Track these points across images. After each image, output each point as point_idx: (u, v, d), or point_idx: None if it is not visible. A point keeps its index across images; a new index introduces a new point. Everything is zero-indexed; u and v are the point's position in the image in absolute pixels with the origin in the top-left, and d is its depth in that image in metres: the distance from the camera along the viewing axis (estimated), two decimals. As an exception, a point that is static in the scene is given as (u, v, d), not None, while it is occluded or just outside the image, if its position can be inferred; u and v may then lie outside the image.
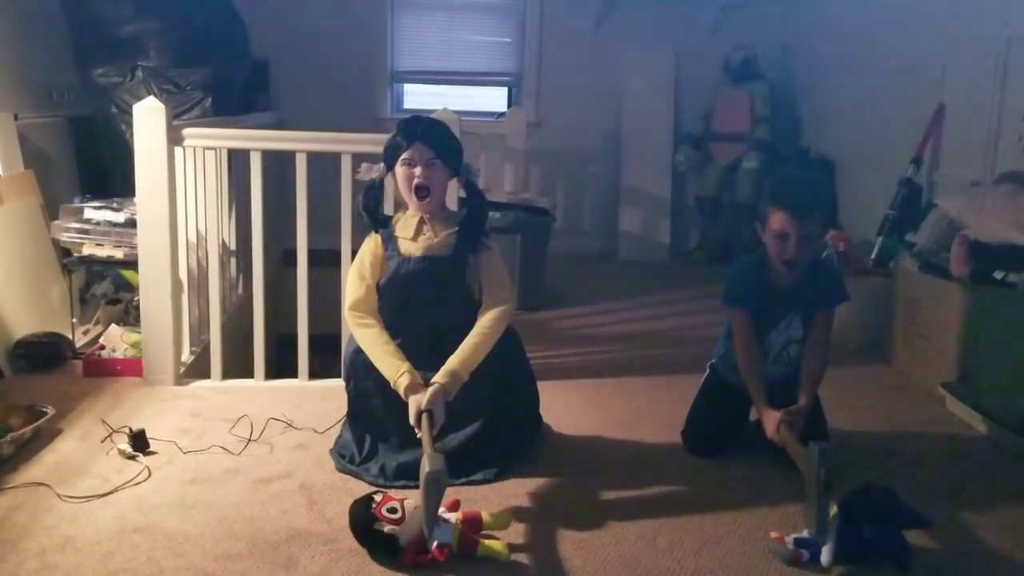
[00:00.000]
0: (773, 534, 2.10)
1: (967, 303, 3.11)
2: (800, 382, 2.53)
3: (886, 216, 4.05)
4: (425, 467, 1.98)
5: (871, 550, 2.03)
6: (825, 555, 2.02)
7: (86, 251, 3.41)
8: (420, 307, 2.46)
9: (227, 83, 4.37)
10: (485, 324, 2.41)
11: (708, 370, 2.80)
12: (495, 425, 2.47)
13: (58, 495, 2.24)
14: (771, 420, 2.41)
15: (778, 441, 2.39)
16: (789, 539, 2.07)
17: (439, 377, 2.30)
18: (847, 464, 2.55)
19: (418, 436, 2.23)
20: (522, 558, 2.02)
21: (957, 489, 2.48)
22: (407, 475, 2.37)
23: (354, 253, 2.65)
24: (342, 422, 2.63)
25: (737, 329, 2.56)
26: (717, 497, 2.37)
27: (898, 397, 3.26)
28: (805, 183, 2.62)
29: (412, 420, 2.25)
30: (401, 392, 2.30)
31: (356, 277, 2.50)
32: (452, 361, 2.33)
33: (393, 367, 2.33)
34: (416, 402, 2.24)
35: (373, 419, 2.49)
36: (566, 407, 2.99)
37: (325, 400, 2.97)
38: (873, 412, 3.10)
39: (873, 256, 3.97)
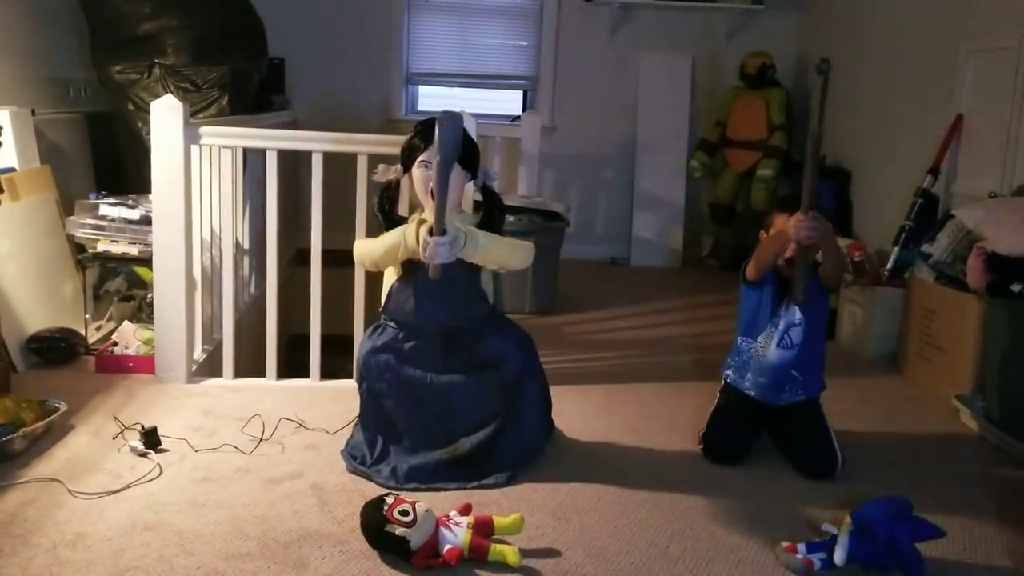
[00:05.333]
0: (784, 543, 2.09)
1: (983, 315, 3.09)
2: None
3: (902, 226, 4.03)
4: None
5: (883, 560, 2.01)
6: (838, 553, 2.01)
7: (101, 247, 3.41)
8: (433, 309, 2.45)
9: (244, 82, 4.37)
10: (514, 240, 2.50)
11: (722, 384, 2.81)
12: (508, 429, 2.47)
13: (70, 491, 2.24)
14: (791, 221, 2.47)
15: (804, 229, 2.42)
16: (801, 547, 2.06)
17: (459, 225, 2.33)
18: (860, 474, 2.55)
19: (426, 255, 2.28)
20: (533, 563, 2.01)
21: (970, 502, 2.46)
22: (418, 478, 2.37)
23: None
24: (354, 423, 2.62)
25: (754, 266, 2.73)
26: (730, 505, 2.36)
27: (912, 409, 3.24)
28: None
29: (421, 246, 2.27)
30: (410, 235, 2.32)
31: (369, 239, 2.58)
32: (478, 230, 2.37)
33: (398, 232, 2.38)
34: (428, 225, 2.27)
35: (385, 421, 2.49)
36: (578, 412, 2.98)
37: (336, 401, 2.97)
38: (886, 423, 3.08)
39: (888, 266, 3.95)
